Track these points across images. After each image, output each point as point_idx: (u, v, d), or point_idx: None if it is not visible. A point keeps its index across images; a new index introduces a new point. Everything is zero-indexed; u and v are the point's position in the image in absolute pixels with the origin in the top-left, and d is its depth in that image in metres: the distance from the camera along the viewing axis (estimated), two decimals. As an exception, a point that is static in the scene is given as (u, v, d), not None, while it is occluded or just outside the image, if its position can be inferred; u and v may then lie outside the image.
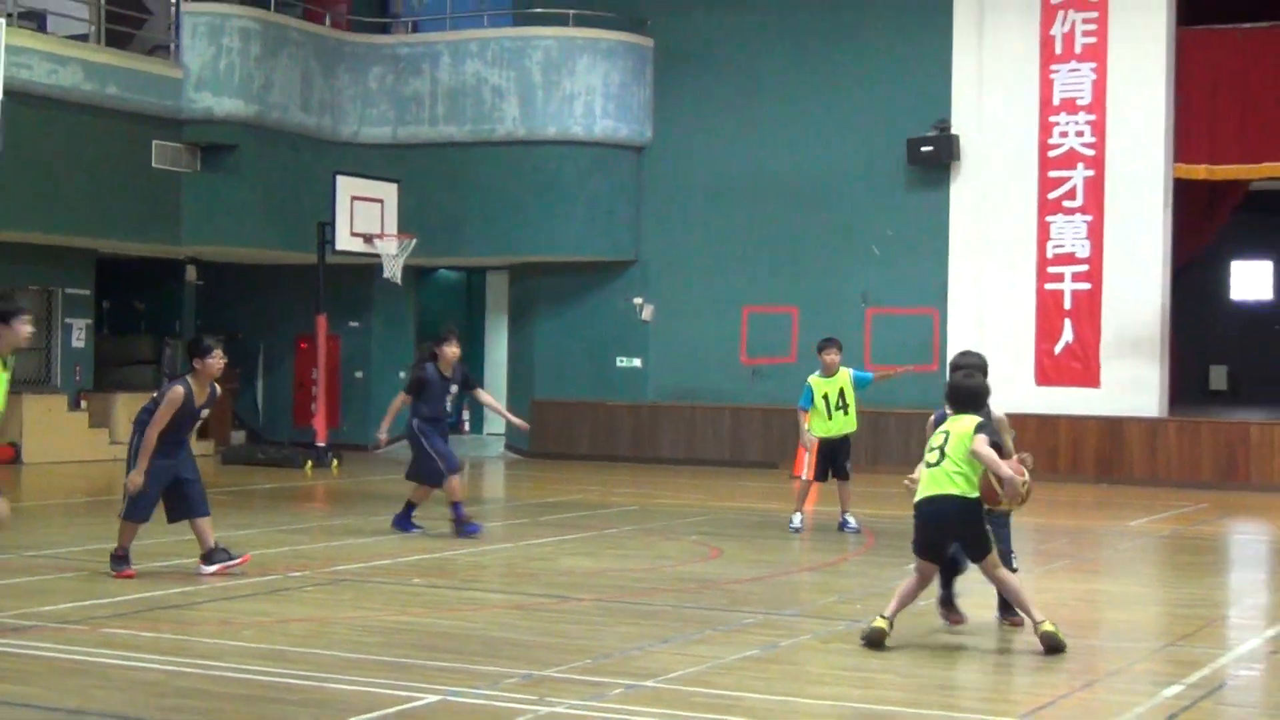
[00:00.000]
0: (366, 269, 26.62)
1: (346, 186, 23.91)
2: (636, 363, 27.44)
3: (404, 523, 15.53)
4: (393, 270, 24.24)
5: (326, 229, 23.93)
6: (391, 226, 24.34)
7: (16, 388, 25.25)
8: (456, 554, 14.06)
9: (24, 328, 10.29)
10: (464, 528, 15.24)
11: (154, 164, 24.98)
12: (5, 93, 18.19)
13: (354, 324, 28.91)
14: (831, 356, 16.12)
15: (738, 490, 21.32)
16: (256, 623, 10.28)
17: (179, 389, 12.32)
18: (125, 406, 25.87)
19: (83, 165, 23.75)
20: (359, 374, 29.03)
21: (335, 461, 24.19)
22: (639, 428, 26.83)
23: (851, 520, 16.12)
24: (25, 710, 7.67)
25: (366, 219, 24.09)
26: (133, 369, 28.33)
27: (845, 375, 16.14)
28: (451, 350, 15.48)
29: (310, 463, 23.79)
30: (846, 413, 16.08)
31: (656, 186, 27.50)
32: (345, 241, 23.77)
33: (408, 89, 27.72)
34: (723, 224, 26.99)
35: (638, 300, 27.54)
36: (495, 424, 30.71)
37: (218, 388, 12.65)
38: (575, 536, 15.57)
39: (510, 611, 11.04)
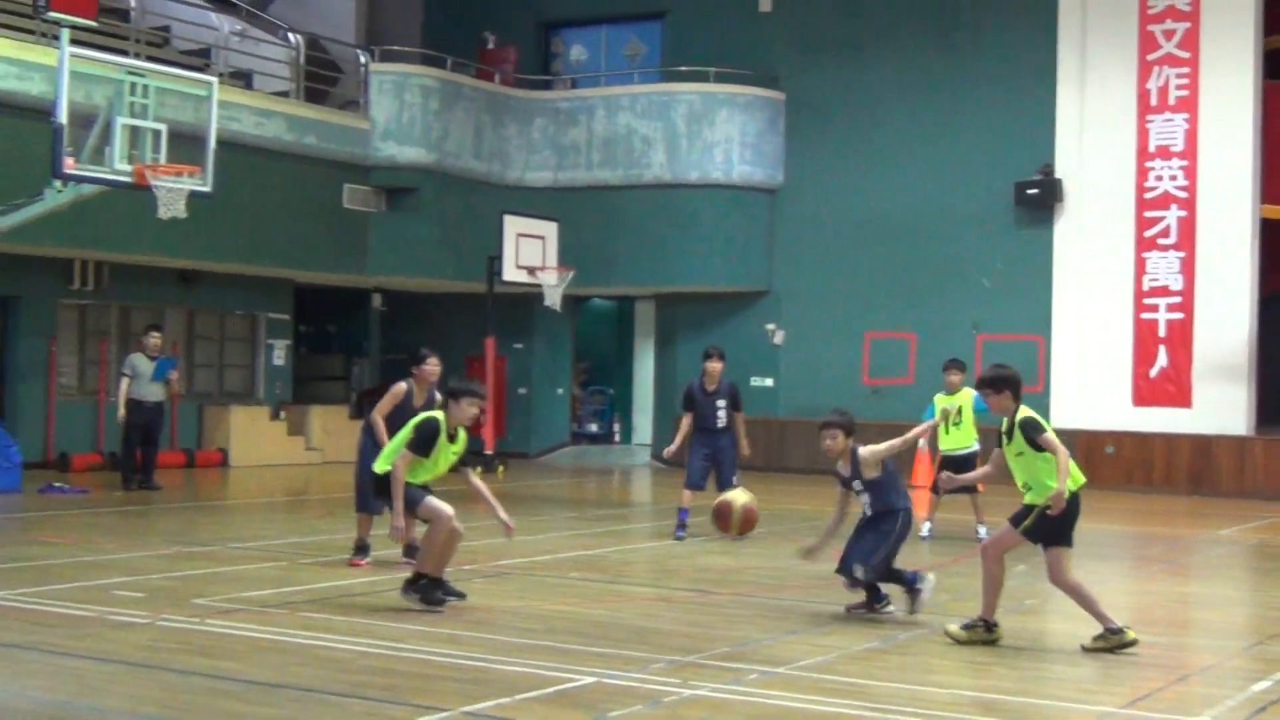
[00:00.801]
0: (529, 297, 26.78)
1: (513, 225, 24.07)
2: (769, 382, 27.32)
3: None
4: (553, 299, 24.35)
5: (495, 262, 24.10)
6: (552, 260, 24.45)
7: (225, 399, 25.75)
8: (608, 551, 14.06)
9: (470, 409, 10.34)
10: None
11: (345, 205, 25.33)
12: (218, 142, 18.52)
13: (518, 346, 29.09)
14: (953, 377, 15.86)
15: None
16: (432, 610, 10.34)
17: (402, 385, 12.59)
18: (319, 417, 26.28)
19: (283, 206, 24.14)
20: (522, 390, 29.20)
21: (501, 468, 24.33)
22: (770, 441, 26.68)
23: (982, 530, 15.77)
24: (231, 683, 7.77)
25: (530, 253, 24.23)
26: (325, 384, 28.77)
27: (967, 395, 15.77)
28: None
29: (479, 469, 23.89)
30: (960, 428, 15.76)
31: (787, 224, 27.38)
32: (511, 273, 23.92)
33: (567, 138, 27.87)
34: (847, 258, 26.81)
35: (770, 326, 27.44)
36: (643, 435, 30.72)
37: (436, 394, 12.55)
38: (715, 538, 15.50)
39: (656, 604, 11.01)
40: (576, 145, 27.81)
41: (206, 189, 18.09)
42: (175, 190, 17.54)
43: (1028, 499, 9.39)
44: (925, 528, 15.91)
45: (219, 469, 24.11)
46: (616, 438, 31.74)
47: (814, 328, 26.93)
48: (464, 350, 28.45)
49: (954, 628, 9.62)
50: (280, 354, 26.83)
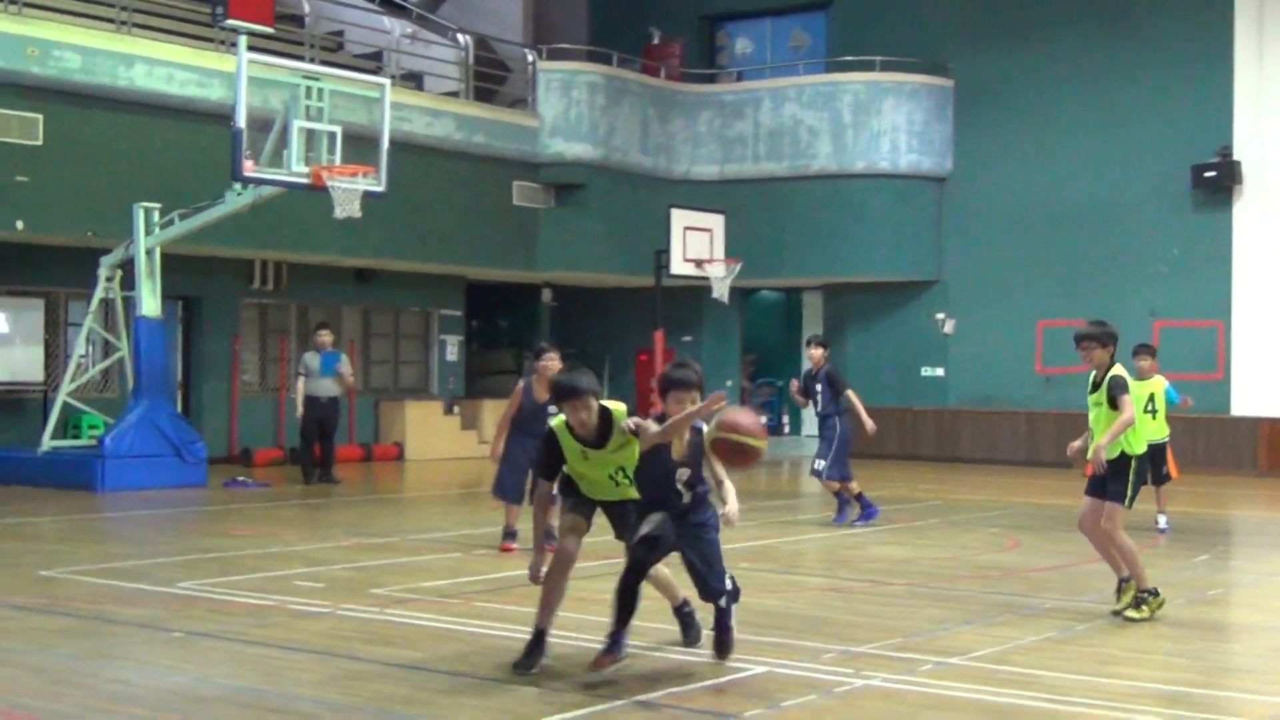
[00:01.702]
0: (697, 290, 26.79)
1: (680, 218, 24.10)
2: (939, 372, 27.00)
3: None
4: (721, 291, 24.33)
5: (662, 255, 24.15)
6: (719, 252, 24.44)
7: (400, 395, 26.18)
8: (779, 542, 14.01)
9: (559, 379, 8.10)
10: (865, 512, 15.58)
11: (515, 201, 25.60)
12: (390, 143, 18.85)
13: (687, 338, 29.12)
14: (1143, 362, 15.26)
15: (1033, 488, 20.78)
16: (604, 598, 10.38)
17: (520, 384, 12.72)
18: (491, 411, 26.57)
19: (454, 204, 24.48)
20: (691, 383, 29.19)
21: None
22: (941, 431, 26.38)
23: (1162, 520, 15.41)
24: (411, 671, 7.90)
25: (697, 246, 24.25)
26: (497, 378, 29.09)
27: (1159, 383, 15.20)
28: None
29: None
30: (1155, 418, 15.08)
31: (956, 213, 27.03)
32: (679, 266, 23.96)
33: (732, 131, 27.83)
34: (1018, 245, 26.37)
35: (940, 315, 27.11)
36: (811, 427, 30.54)
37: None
38: (886, 528, 15.37)
39: (828, 594, 10.94)
40: (743, 138, 27.76)
41: (380, 189, 18.43)
42: (350, 190, 17.89)
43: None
44: (1161, 520, 15.37)
45: (395, 463, 24.54)
46: (785, 429, 31.61)
47: (985, 317, 26.54)
48: (633, 344, 28.58)
49: (1130, 611, 9.67)
50: (453, 349, 27.22)
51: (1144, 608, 9.75)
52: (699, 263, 24.15)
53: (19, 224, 19.30)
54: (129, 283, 19.41)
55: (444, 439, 25.62)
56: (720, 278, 24.26)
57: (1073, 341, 10.12)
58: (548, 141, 25.86)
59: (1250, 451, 23.94)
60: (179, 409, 22.10)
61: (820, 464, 15.69)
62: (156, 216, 19.28)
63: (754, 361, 31.77)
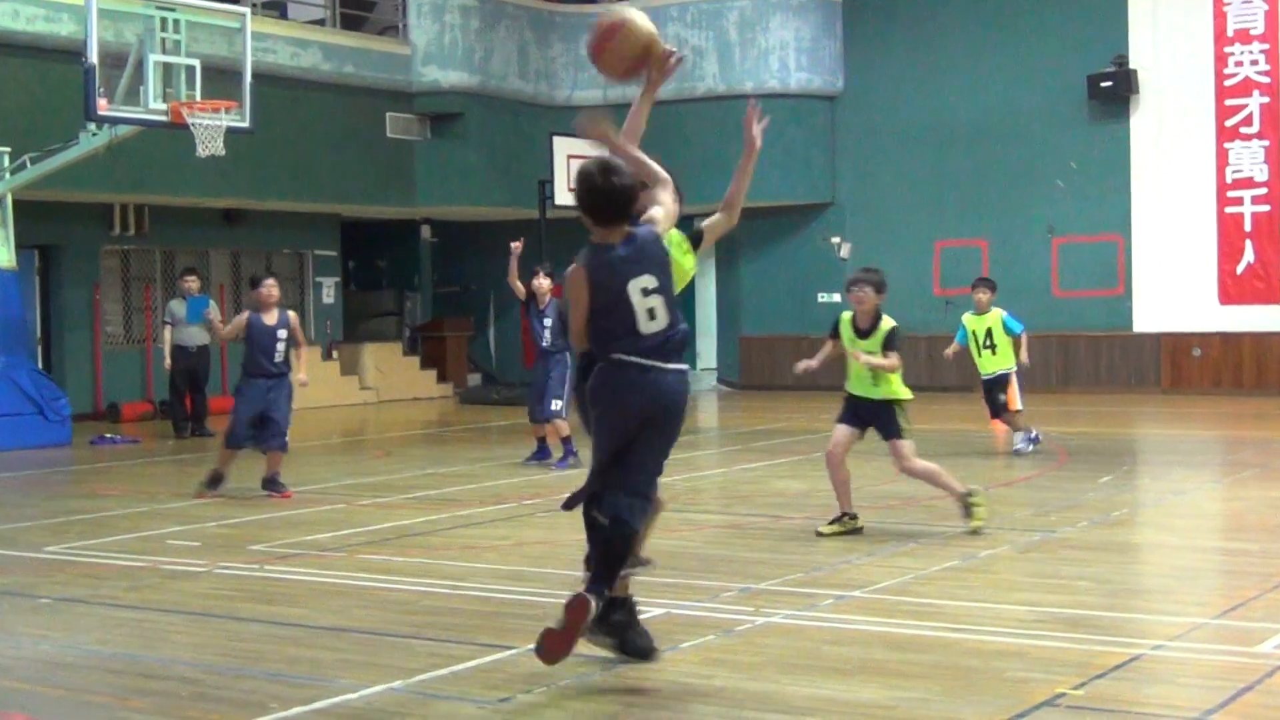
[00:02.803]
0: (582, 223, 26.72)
1: (563, 146, 23.99)
2: (836, 298, 27.20)
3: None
4: (608, 222, 24.27)
5: (546, 186, 24.08)
6: (605, 181, 24.35)
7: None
8: (674, 479, 14.09)
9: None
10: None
11: (389, 134, 25.37)
12: (254, 76, 18.59)
13: (574, 272, 29.05)
14: (981, 295, 15.76)
15: (934, 413, 21.05)
16: (495, 546, 10.43)
17: (244, 315, 13.65)
18: (372, 355, 26.49)
19: (325, 139, 24.22)
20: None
21: (561, 399, 24.32)
22: (840, 359, 26.60)
23: (1018, 439, 15.66)
24: (294, 629, 7.87)
25: (582, 175, 24.17)
26: (378, 321, 28.94)
27: (996, 315, 15.71)
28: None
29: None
30: (995, 353, 15.67)
31: (849, 132, 27.17)
32: (564, 197, 23.89)
33: (615, 53, 27.70)
34: (913, 164, 26.59)
35: (835, 239, 27.31)
36: (707, 358, 30.71)
37: (290, 315, 13.53)
38: (784, 461, 15.53)
39: (726, 531, 11.04)
40: (625, 60, 27.64)
41: (245, 125, 18.20)
42: (213, 127, 17.64)
43: (863, 389, 10.84)
44: (1017, 439, 15.72)
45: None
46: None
47: (881, 239, 26.77)
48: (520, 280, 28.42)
49: (973, 523, 10.35)
50: (329, 292, 27.00)
51: (974, 511, 10.38)
52: (584, 192, 24.08)
53: None
54: (-21, 232, 19.03)
55: (323, 386, 25.41)
56: (607, 208, 24.20)
57: (848, 286, 11.14)
58: (421, 70, 25.62)
59: (1154, 369, 24.42)
60: (40, 365, 21.74)
61: (558, 404, 15.18)
62: (6, 161, 18.91)
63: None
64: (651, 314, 6.55)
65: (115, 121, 17.73)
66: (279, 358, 13.44)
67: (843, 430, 10.80)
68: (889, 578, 8.90)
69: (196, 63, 17.87)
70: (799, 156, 26.95)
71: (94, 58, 17.13)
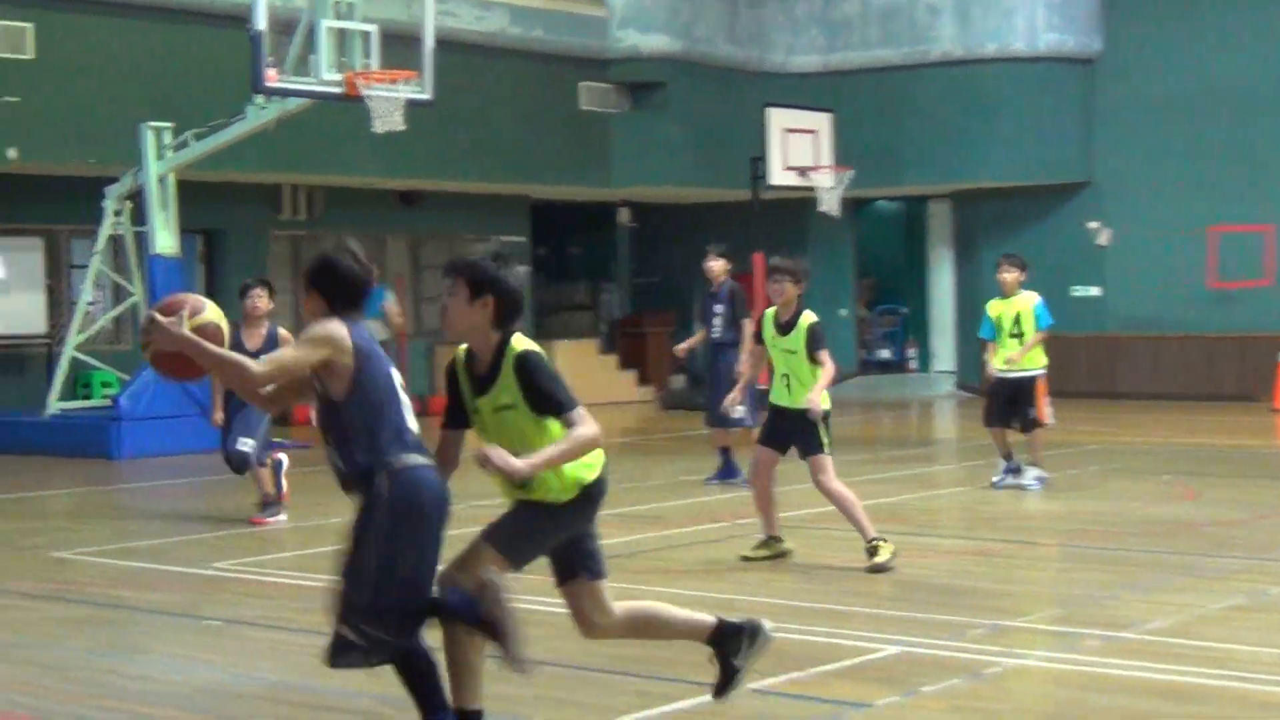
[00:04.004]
0: (802, 203, 26.60)
1: (778, 119, 23.86)
2: (1094, 291, 26.70)
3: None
4: (830, 204, 24.14)
5: (759, 164, 23.98)
6: (827, 158, 24.21)
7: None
8: (910, 498, 13.94)
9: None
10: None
11: (582, 106, 25.54)
12: (435, 42, 18.80)
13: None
14: (1007, 275, 14.47)
15: (1211, 426, 20.53)
16: (705, 570, 10.39)
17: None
18: (564, 353, 26.59)
19: (512, 112, 24.46)
20: (797, 313, 29.10)
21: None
22: (1098, 361, 26.13)
23: (1031, 475, 14.24)
24: (486, 660, 7.89)
25: (800, 152, 24.04)
26: (570, 314, 29.15)
27: (1027, 300, 14.38)
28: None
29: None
30: (1020, 341, 14.28)
31: (1109, 101, 26.63)
32: (779, 176, 23.76)
33: (837, 13, 27.55)
34: (1184, 139, 25.96)
35: (1093, 224, 26.79)
36: (944, 360, 30.37)
37: (280, 333, 12.77)
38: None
39: (970, 558, 10.87)
40: (849, 20, 27.49)
41: (426, 96, 18.41)
42: (391, 99, 17.87)
43: (784, 399, 10.46)
44: (1030, 475, 14.35)
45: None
46: (912, 365, 31.46)
47: (1146, 224, 26.20)
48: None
49: (873, 559, 10.18)
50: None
51: (879, 555, 10.16)
52: (802, 171, 23.95)
53: (11, 152, 19.51)
54: (140, 216, 19.59)
55: (599, 381, 25.53)
56: (829, 188, 24.06)
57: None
58: (619, 34, 25.74)
59: None
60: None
61: (742, 410, 13.82)
62: (168, 138, 19.41)
63: (872, 286, 31.60)
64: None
65: (285, 94, 18.08)
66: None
67: (763, 453, 10.63)
68: (1162, 616, 8.67)
69: (373, 29, 18.14)
70: (1049, 130, 26.50)
71: (262, 24, 17.48)
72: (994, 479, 14.36)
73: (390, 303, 20.32)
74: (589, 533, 6.31)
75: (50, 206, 21.75)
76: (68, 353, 19.93)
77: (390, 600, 5.97)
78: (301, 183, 23.95)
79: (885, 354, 31.61)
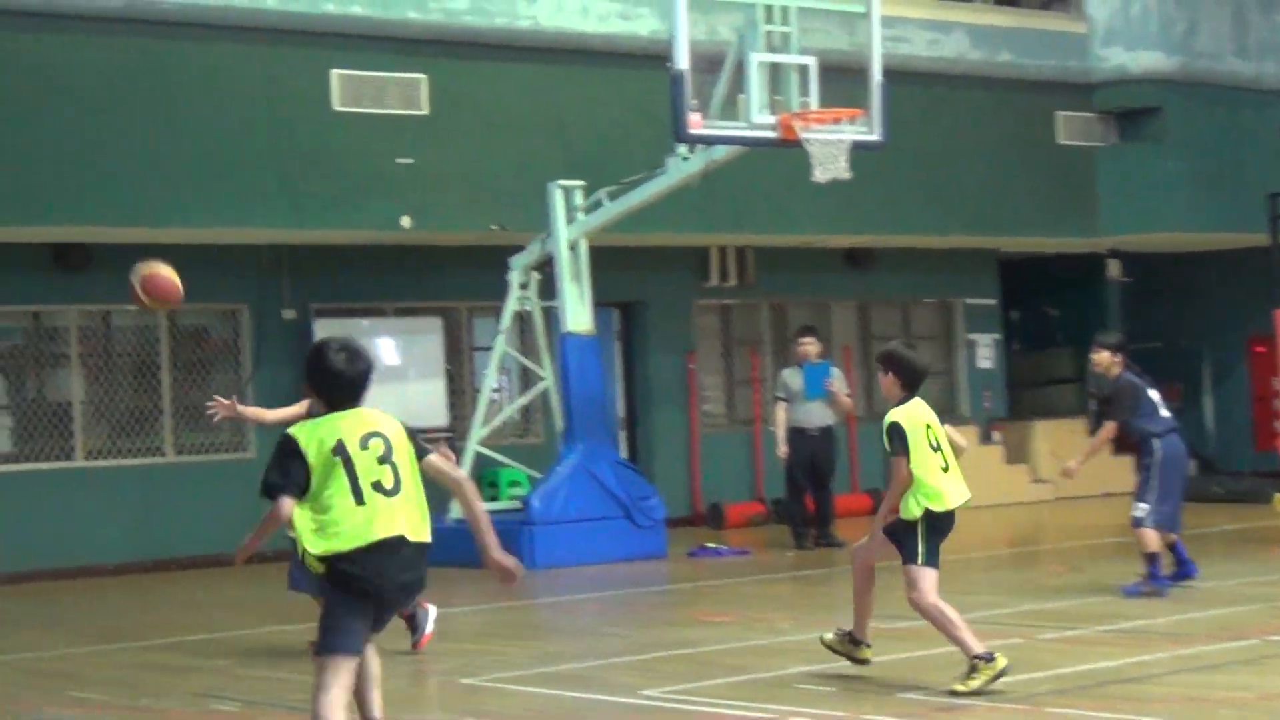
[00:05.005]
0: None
1: (1302, 145, 23.19)
2: None
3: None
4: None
5: (1278, 201, 23.26)
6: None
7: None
8: (1116, 664, 13.20)
9: None
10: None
11: (1060, 140, 25.25)
12: (884, 72, 18.70)
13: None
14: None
15: None
16: (1233, 699, 10.00)
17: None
18: (1046, 436, 26.24)
19: (977, 151, 24.32)
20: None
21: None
22: None
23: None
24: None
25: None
26: (1051, 389, 28.65)
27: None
28: None
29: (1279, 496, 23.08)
30: None
31: None
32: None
33: (1373, 13, 26.60)
34: None
35: None
36: None
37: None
38: None
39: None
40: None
41: (874, 137, 18.38)
42: (834, 143, 17.90)
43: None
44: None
45: (915, 514, 24.43)
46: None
47: None
48: (1242, 328, 27.57)
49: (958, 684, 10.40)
50: (987, 352, 26.98)
51: (974, 677, 10.38)
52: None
53: (405, 220, 20.25)
54: (548, 289, 20.02)
55: (983, 477, 25.26)
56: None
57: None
58: (1102, 53, 25.37)
59: None
60: (624, 454, 22.64)
61: (1142, 508, 14.59)
62: (579, 198, 19.84)
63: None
64: None
65: (711, 141, 18.26)
66: None
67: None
68: None
69: (811, 61, 18.18)
70: None
71: (684, 62, 17.69)
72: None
73: (836, 380, 20.26)
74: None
75: (448, 281, 22.46)
76: (471, 447, 20.40)
77: None
78: (729, 243, 24.18)
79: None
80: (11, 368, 20.73)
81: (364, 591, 7.50)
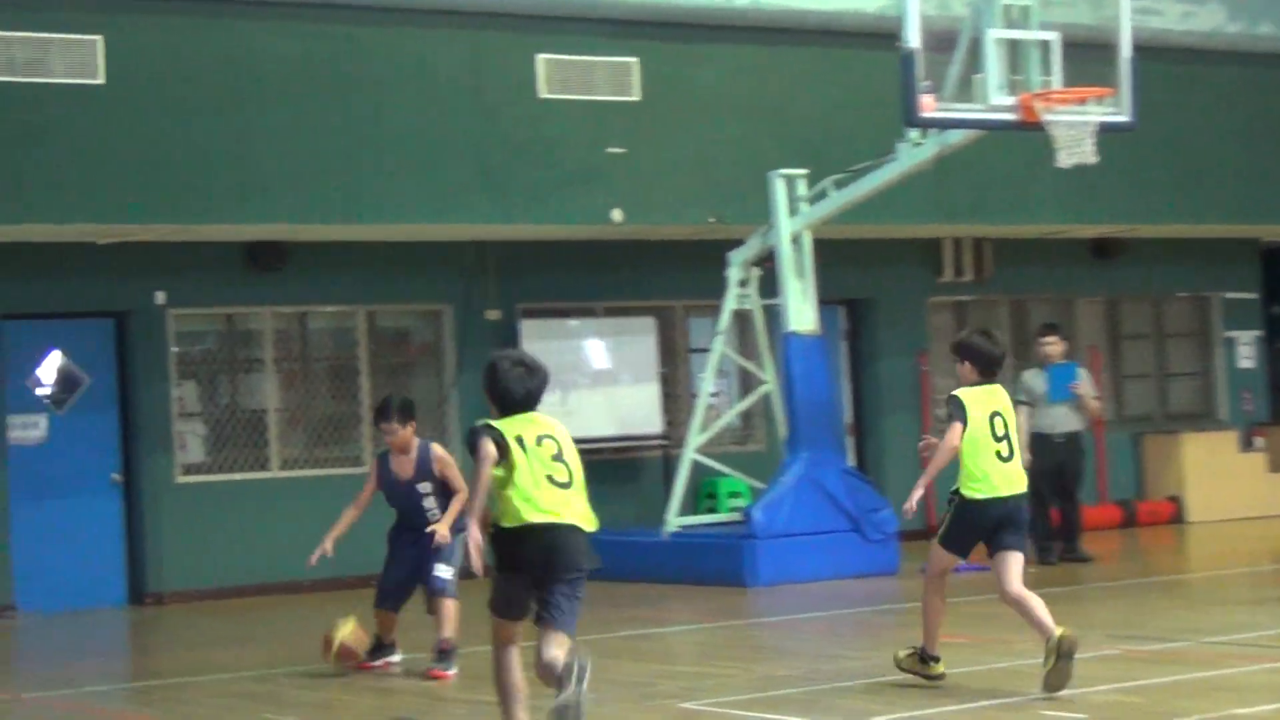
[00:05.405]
0: None
1: None
2: None
3: None
4: None
5: None
6: None
7: (1171, 425, 25.71)
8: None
9: None
10: None
11: (1325, 118, 24.74)
12: (1134, 48, 18.43)
13: None
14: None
15: None
16: None
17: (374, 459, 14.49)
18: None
19: (1234, 133, 23.93)
20: None
21: None
22: None
23: None
24: None
25: None
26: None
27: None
28: None
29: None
30: None
31: None
32: None
33: None
34: None
35: None
36: None
37: (434, 450, 13.44)
38: None
39: None
40: None
41: (1124, 118, 18.14)
42: (1079, 125, 17.69)
43: None
44: None
45: (1171, 526, 24.12)
46: None
47: None
48: None
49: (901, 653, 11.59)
50: (1247, 351, 26.53)
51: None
52: None
53: (616, 214, 20.27)
54: (770, 286, 19.95)
55: (1242, 488, 24.94)
56: None
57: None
58: (1373, 22, 24.82)
59: None
60: (852, 462, 22.51)
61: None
62: (802, 188, 19.75)
63: None
64: None
65: (944, 125, 18.12)
66: (433, 514, 13.36)
67: None
68: None
69: (1054, 37, 17.97)
70: None
71: (915, 40, 17.57)
72: None
73: (1082, 383, 20.00)
74: None
75: (662, 279, 22.45)
76: (687, 456, 20.34)
77: None
78: (964, 234, 23.97)
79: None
80: (204, 373, 20.92)
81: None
